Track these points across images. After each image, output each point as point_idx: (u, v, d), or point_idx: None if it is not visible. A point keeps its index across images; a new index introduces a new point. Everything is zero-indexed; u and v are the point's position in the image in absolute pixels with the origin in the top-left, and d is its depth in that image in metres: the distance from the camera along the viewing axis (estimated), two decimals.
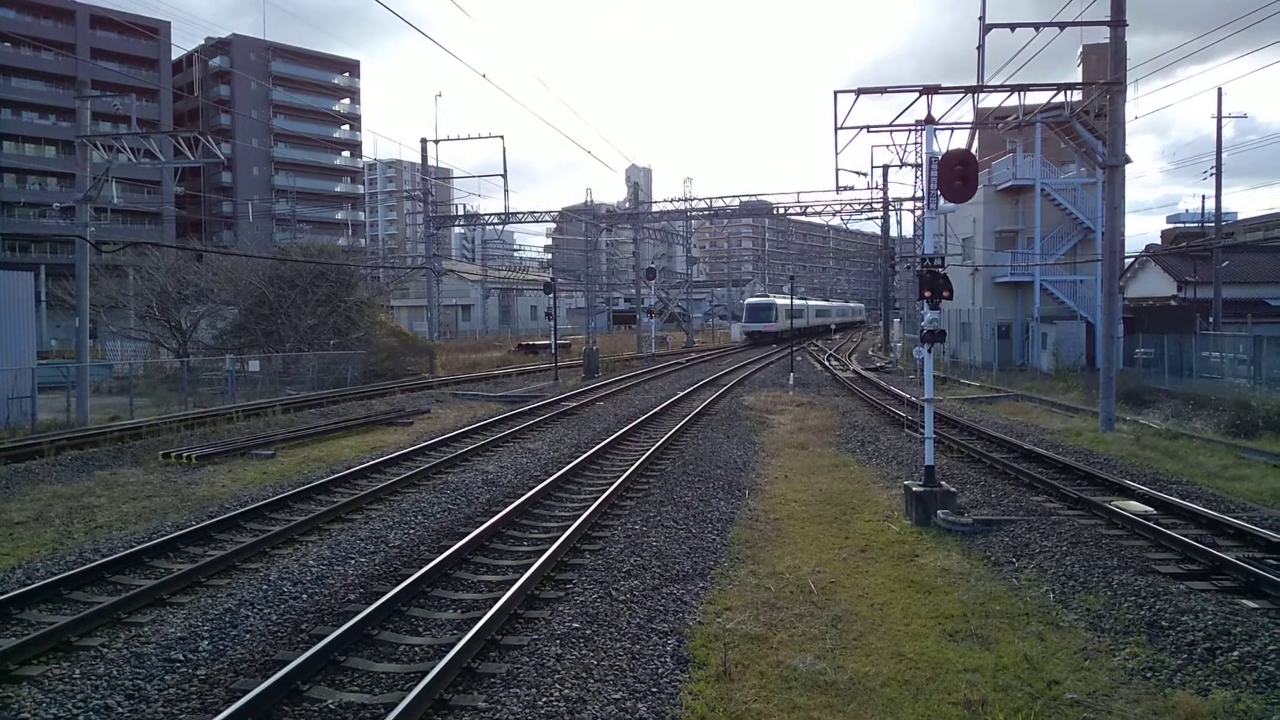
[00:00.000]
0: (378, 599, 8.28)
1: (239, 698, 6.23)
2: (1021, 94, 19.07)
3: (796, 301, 70.31)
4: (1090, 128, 20.25)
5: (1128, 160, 21.08)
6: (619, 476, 14.21)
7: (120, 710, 6.43)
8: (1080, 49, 56.66)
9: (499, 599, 8.15)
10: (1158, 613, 8.14)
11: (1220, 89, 36.64)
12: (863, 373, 37.96)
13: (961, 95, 18.80)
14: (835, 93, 15.78)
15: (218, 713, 6.02)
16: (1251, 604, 8.36)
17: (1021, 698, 6.62)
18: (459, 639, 7.24)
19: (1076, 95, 19.98)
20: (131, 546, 10.45)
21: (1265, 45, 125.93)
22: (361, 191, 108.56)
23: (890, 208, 52.22)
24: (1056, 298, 37.83)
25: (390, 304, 65.76)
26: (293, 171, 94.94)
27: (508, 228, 60.18)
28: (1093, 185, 36.04)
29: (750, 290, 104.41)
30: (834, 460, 17.10)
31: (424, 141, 52.31)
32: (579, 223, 59.84)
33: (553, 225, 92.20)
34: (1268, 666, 6.91)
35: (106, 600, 8.57)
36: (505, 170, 49.77)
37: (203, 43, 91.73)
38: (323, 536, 11.26)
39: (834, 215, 51.29)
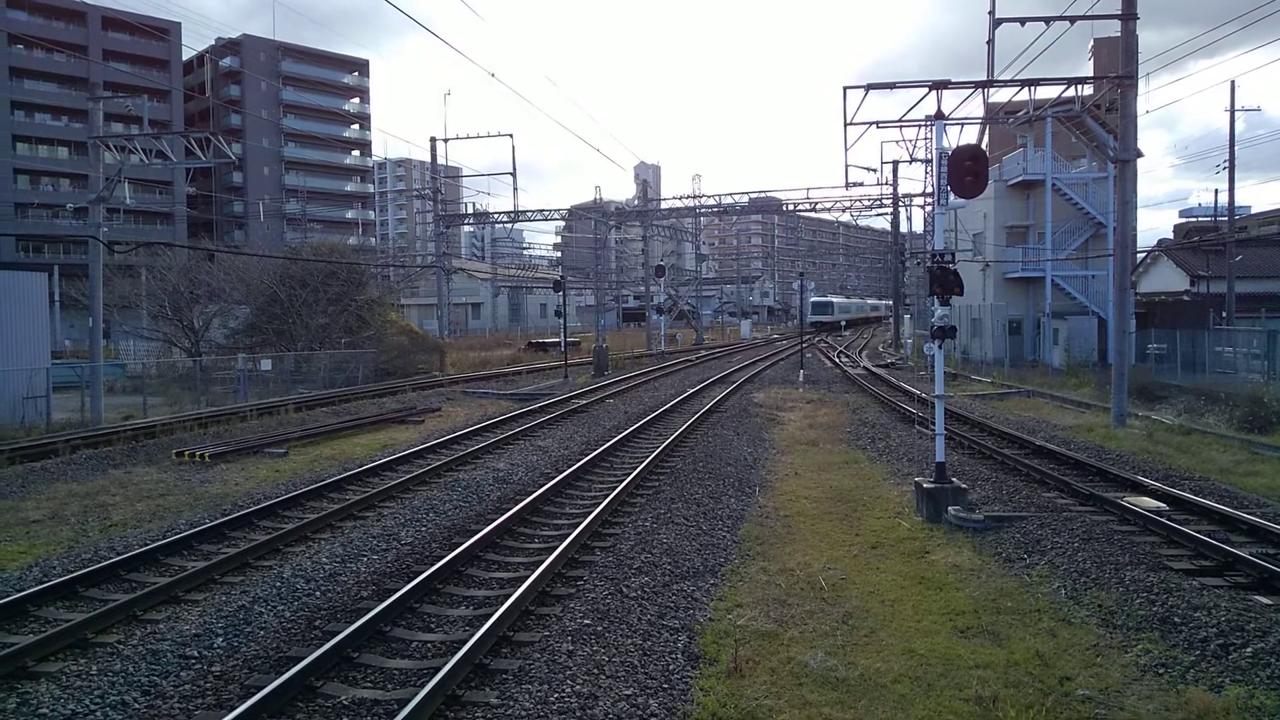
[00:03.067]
0: (390, 595, 8.33)
1: (254, 694, 6.28)
2: (1032, 89, 18.96)
3: (844, 300, 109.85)
4: (1101, 122, 20.18)
5: (1139, 154, 20.98)
6: (629, 473, 14.23)
7: (137, 706, 6.50)
8: (1091, 43, 56.31)
9: (511, 595, 8.20)
10: (1170, 609, 8.11)
11: (1233, 82, 36.39)
12: (873, 369, 37.87)
13: (971, 90, 18.69)
14: (844, 89, 15.65)
15: (233, 709, 6.07)
16: (1265, 600, 8.32)
17: (1033, 694, 6.61)
18: (471, 635, 7.28)
19: (1087, 89, 19.87)
20: (146, 544, 10.53)
21: (1276, 39, 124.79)
22: (371, 190, 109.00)
23: (900, 204, 52.15)
24: (1068, 293, 37.61)
25: (400, 303, 65.85)
26: (303, 171, 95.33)
27: (517, 226, 60.27)
28: (1104, 180, 35.84)
29: (760, 287, 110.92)
30: (844, 457, 17.09)
31: (433, 140, 52.49)
32: (588, 220, 59.83)
33: (562, 223, 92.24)
34: None
35: (122, 597, 8.64)
36: (514, 169, 49.90)
37: (213, 43, 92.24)
38: (335, 534, 11.33)
39: (844, 211, 51.26)
